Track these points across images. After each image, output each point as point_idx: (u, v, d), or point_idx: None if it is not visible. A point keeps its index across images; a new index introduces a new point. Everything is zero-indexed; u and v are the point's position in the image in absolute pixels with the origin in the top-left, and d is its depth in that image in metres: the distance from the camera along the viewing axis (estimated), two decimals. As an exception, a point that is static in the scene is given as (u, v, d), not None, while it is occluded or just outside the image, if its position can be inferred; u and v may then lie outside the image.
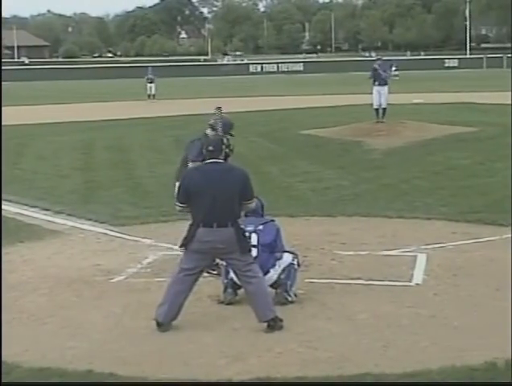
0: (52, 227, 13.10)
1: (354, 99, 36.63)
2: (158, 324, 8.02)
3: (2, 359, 7.21)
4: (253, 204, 8.26)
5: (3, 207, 14.58)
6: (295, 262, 8.99)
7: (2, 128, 26.96)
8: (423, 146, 21.35)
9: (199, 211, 7.94)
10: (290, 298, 8.75)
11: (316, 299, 8.76)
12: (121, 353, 7.45)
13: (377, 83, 25.32)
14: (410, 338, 7.65)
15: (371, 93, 25.80)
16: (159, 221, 13.27)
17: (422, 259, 10.46)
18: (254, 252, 8.62)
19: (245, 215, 8.88)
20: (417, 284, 9.46)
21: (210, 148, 8.06)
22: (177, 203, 8.23)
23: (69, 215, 13.92)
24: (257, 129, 26.67)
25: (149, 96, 44.48)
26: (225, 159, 8.29)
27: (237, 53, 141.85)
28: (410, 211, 13.48)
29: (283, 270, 8.84)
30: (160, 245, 11.57)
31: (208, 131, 9.99)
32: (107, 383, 6.80)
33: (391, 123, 24.31)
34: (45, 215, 14.06)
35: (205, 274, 9.39)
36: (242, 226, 8.20)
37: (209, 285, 9.18)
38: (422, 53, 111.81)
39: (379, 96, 25.19)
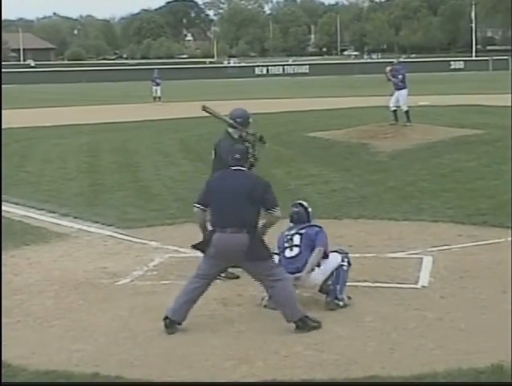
0: (58, 229, 13.12)
1: (360, 101, 36.64)
2: (166, 325, 8.01)
3: (8, 361, 7.21)
4: (277, 213, 8.17)
5: (9, 209, 14.61)
6: (345, 262, 8.89)
7: (8, 131, 27.02)
8: (429, 149, 21.32)
9: (216, 215, 8.05)
10: (341, 303, 8.68)
11: (322, 302, 8.74)
12: (127, 356, 7.46)
13: (393, 87, 25.19)
14: (416, 341, 7.64)
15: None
16: (166, 224, 13.28)
17: (428, 261, 10.45)
18: (296, 250, 8.65)
19: (291, 221, 9.01)
20: (423, 286, 9.45)
21: (236, 156, 8.21)
22: (195, 204, 8.28)
23: (75, 217, 13.94)
24: (262, 131, 26.60)
25: (154, 98, 44.53)
26: (250, 168, 8.44)
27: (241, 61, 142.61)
28: (416, 214, 13.47)
29: (332, 273, 8.78)
30: (166, 248, 11.58)
31: (230, 129, 10.00)
32: (113, 384, 6.80)
33: (397, 125, 24.27)
34: (51, 217, 14.08)
35: None
36: (286, 232, 8.40)
37: (216, 288, 9.16)
38: (411, 55, 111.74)
39: (395, 99, 25.00)
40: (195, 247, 8.29)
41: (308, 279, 8.57)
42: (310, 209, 9.28)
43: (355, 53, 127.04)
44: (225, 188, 8.06)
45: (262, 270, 8.01)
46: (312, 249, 8.72)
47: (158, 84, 44.60)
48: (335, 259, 8.87)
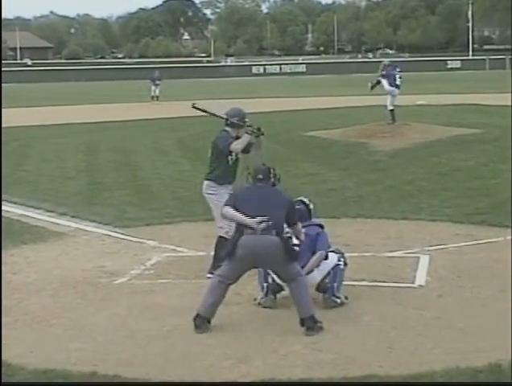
0: (57, 228, 13.12)
1: (357, 100, 36.63)
2: (197, 325, 8.01)
3: (7, 361, 7.21)
4: (298, 227, 8.46)
5: (7, 208, 14.60)
6: (342, 261, 8.94)
7: (6, 130, 27.00)
8: (427, 148, 21.34)
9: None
10: (339, 300, 8.72)
11: (320, 301, 8.75)
12: (125, 355, 7.46)
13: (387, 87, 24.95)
14: (414, 340, 7.65)
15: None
16: (163, 223, 13.29)
17: (426, 260, 10.46)
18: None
19: None
20: (421, 285, 9.47)
21: (259, 176, 8.41)
22: (225, 206, 8.33)
23: (73, 216, 13.94)
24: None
25: (152, 97, 44.44)
26: (274, 184, 8.54)
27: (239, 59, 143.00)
28: (414, 213, 13.49)
29: (329, 273, 8.81)
30: (164, 247, 11.59)
31: (228, 128, 10.03)
32: (111, 384, 6.81)
33: (395, 124, 24.25)
34: (49, 216, 14.07)
35: (209, 275, 9.43)
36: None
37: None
38: (406, 54, 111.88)
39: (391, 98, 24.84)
40: (223, 257, 8.27)
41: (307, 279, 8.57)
42: (312, 206, 9.32)
43: (370, 55, 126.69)
44: (252, 196, 8.25)
45: (287, 269, 8.09)
46: (313, 251, 8.74)
47: (157, 85, 44.48)
48: (332, 259, 8.90)
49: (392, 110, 24.48)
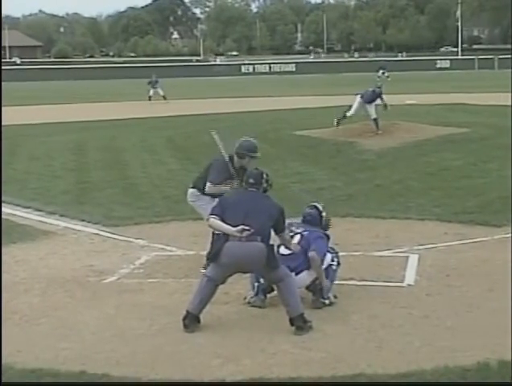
0: (45, 227, 13.09)
1: (347, 100, 36.61)
2: (186, 324, 8.00)
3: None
4: (286, 236, 8.43)
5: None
6: (335, 261, 8.91)
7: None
8: (415, 147, 21.37)
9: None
10: (327, 301, 8.72)
11: (309, 300, 8.76)
12: (114, 354, 7.45)
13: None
14: (403, 339, 7.66)
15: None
16: (153, 222, 13.27)
17: (414, 259, 10.48)
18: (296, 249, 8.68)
19: (303, 221, 9.09)
20: (410, 284, 9.48)
21: (251, 180, 8.35)
22: (211, 215, 8.27)
23: (62, 215, 13.90)
24: (249, 129, 26.65)
25: (150, 98, 43.82)
26: (266, 190, 8.47)
27: (233, 53, 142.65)
28: (403, 212, 13.51)
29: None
30: (153, 246, 11.57)
31: (235, 158, 9.97)
32: (100, 383, 6.80)
33: (384, 124, 24.24)
34: (38, 215, 14.04)
35: (203, 270, 9.47)
36: (293, 227, 8.53)
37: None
38: (402, 54, 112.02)
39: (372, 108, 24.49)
40: (208, 259, 8.26)
41: (296, 280, 8.57)
42: (324, 213, 9.24)
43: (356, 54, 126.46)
44: (239, 202, 8.21)
45: (273, 274, 8.10)
46: (306, 250, 8.70)
47: (155, 88, 44.08)
48: (326, 259, 8.87)
49: (375, 119, 24.12)
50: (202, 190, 10.14)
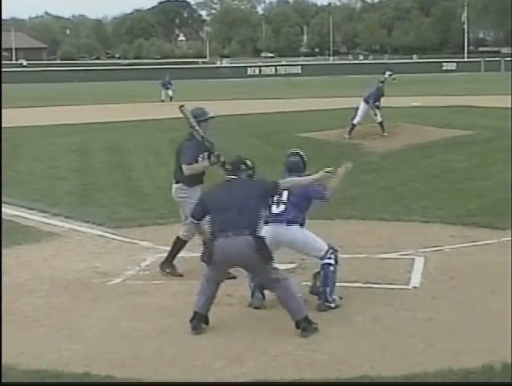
0: (49, 229, 13.10)
1: (351, 102, 36.59)
2: (194, 326, 8.01)
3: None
4: (287, 184, 8.58)
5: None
6: (332, 259, 8.83)
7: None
8: (420, 149, 21.36)
9: (216, 222, 8.06)
10: (333, 305, 8.67)
11: (313, 302, 8.75)
12: (117, 355, 7.45)
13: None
14: (406, 341, 7.65)
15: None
16: (157, 223, 13.27)
17: (419, 262, 10.47)
18: (282, 207, 8.75)
19: (287, 170, 9.25)
20: (414, 287, 9.47)
21: (228, 167, 8.55)
22: (191, 219, 8.42)
23: (66, 217, 13.92)
24: (254, 131, 26.69)
25: (162, 100, 43.84)
26: (251, 176, 8.50)
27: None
28: (407, 214, 13.49)
29: (318, 273, 8.80)
30: (158, 248, 11.57)
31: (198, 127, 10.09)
32: (104, 384, 6.80)
33: (388, 126, 24.23)
34: (42, 217, 14.05)
35: (161, 269, 9.50)
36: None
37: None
38: (413, 56, 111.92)
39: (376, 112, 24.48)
40: (203, 260, 8.26)
41: (287, 233, 8.67)
42: (306, 158, 9.42)
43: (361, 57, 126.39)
44: (224, 197, 8.17)
45: (266, 272, 8.04)
46: (300, 208, 8.79)
47: (168, 88, 44.18)
48: (321, 246, 8.83)
49: (381, 123, 24.01)
50: (187, 183, 10.09)
